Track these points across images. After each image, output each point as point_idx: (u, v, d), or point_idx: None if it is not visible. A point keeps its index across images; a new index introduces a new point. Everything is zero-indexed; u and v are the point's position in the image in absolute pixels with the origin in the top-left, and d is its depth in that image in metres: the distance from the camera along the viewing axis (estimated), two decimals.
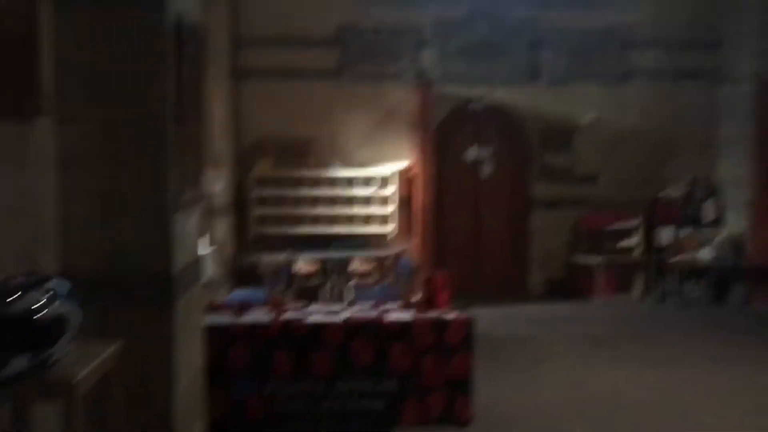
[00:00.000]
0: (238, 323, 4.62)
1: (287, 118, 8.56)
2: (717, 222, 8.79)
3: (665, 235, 8.73)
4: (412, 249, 8.16)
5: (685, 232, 8.68)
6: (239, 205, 8.37)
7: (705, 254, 8.46)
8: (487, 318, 7.63)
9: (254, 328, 4.58)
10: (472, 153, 8.93)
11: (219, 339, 4.42)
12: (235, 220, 8.32)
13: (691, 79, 8.79)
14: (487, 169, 8.96)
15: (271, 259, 7.94)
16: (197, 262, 3.99)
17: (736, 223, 8.61)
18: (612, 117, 8.82)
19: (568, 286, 8.81)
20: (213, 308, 4.94)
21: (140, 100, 3.28)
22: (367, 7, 8.57)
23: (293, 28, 8.54)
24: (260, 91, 8.55)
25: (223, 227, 7.86)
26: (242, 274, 7.97)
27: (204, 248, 6.46)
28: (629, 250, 8.76)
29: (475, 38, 8.77)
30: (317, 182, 8.47)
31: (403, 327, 4.68)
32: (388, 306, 5.14)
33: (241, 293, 6.72)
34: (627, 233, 8.79)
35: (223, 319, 4.66)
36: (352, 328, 4.62)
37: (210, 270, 6.36)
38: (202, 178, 4.20)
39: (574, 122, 8.84)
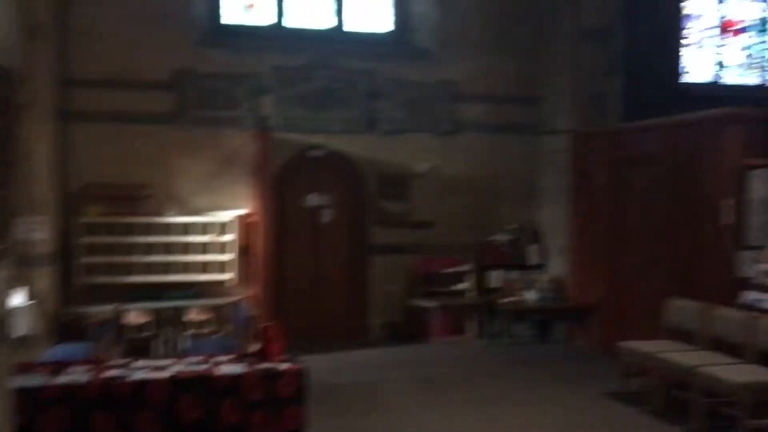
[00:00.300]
0: (52, 384, 4.32)
1: (120, 162, 8.24)
2: (540, 265, 9.41)
3: (495, 278, 9.23)
4: (250, 297, 8.04)
5: (513, 275, 9.22)
6: (65, 253, 7.88)
7: (530, 296, 9.01)
8: (327, 365, 7.69)
9: (70, 388, 4.30)
10: (311, 200, 9.02)
11: (29, 403, 4.11)
12: (60, 270, 7.81)
13: (515, 132, 9.43)
14: (326, 216, 9.07)
15: (99, 311, 7.50)
16: (3, 318, 3.70)
17: (557, 267, 9.27)
18: (445, 166, 9.26)
19: (407, 329, 9.04)
20: (24, 368, 4.59)
21: None
22: (205, 51, 8.51)
23: (127, 70, 8.28)
24: (91, 134, 8.19)
25: (45, 278, 7.35)
26: (66, 328, 7.46)
27: (18, 302, 6.01)
28: (462, 292, 9.15)
29: (315, 87, 8.93)
30: (151, 229, 8.17)
31: (233, 380, 4.59)
32: (220, 358, 5.02)
33: (62, 349, 6.28)
34: (460, 277, 9.19)
35: (35, 380, 4.34)
36: (179, 383, 4.47)
37: (25, 325, 5.91)
38: (12, 228, 3.93)
39: (410, 170, 9.19)
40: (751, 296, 6.32)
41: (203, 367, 4.74)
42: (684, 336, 6.55)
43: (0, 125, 3.44)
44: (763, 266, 6.35)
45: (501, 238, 9.38)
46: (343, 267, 9.15)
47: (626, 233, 8.11)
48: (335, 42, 9.17)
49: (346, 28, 9.34)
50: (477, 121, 9.35)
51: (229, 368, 4.71)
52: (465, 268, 9.18)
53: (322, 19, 9.28)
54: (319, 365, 7.64)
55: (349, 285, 9.15)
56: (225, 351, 5.54)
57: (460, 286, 9.17)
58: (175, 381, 4.46)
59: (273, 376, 4.63)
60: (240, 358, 5.01)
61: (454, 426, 5.89)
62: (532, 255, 9.43)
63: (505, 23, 9.40)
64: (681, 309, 6.64)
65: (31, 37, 7.00)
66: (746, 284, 6.41)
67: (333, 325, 8.94)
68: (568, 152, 9.04)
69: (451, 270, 9.16)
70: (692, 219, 7.04)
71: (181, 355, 6.00)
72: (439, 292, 9.04)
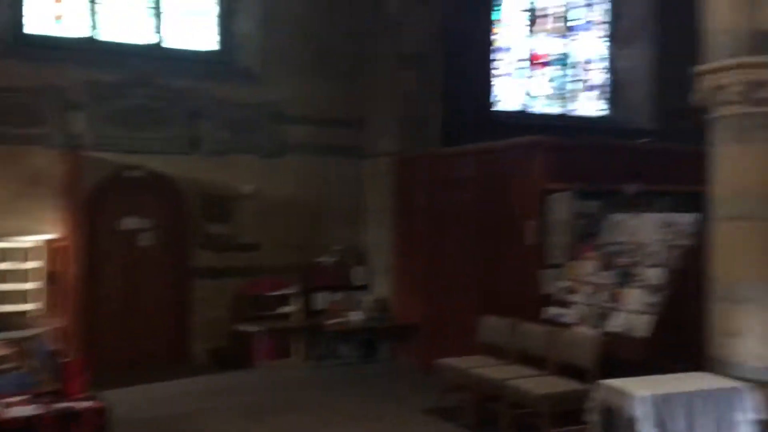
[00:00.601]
0: None
1: None
2: (365, 286, 9.56)
3: (321, 299, 9.25)
4: (57, 328, 7.45)
5: (338, 296, 9.29)
6: None
7: (356, 316, 9.11)
8: (144, 397, 7.30)
9: None
10: (129, 223, 8.58)
11: None
12: None
13: (339, 154, 9.55)
14: (145, 239, 8.67)
15: None
16: None
17: (381, 287, 9.46)
18: (270, 188, 9.18)
19: (232, 355, 8.80)
20: None
21: None
22: (4, 63, 7.86)
23: None
24: None
25: None
26: None
27: None
28: (288, 315, 9.08)
29: (132, 105, 8.54)
30: None
31: (26, 423, 4.22)
32: (12, 399, 4.60)
33: None
34: (286, 299, 9.12)
35: None
36: None
37: None
38: None
39: (235, 192, 9.01)
40: (553, 311, 6.79)
41: None
42: (495, 351, 6.90)
43: None
44: (563, 283, 6.86)
45: (327, 259, 9.43)
46: (165, 292, 8.76)
47: (444, 254, 8.45)
48: (155, 59, 8.84)
49: (167, 44, 9.04)
50: (301, 143, 9.36)
51: (21, 410, 4.33)
52: (291, 290, 9.12)
53: (140, 35, 8.91)
54: (135, 398, 7.26)
55: (170, 311, 8.77)
56: (22, 389, 5.08)
57: (286, 309, 9.10)
58: None
59: (70, 416, 4.31)
60: (35, 398, 4.62)
61: None
62: (358, 276, 9.56)
63: (328, 46, 9.52)
64: (491, 326, 7.00)
65: None
66: (549, 300, 6.89)
67: (153, 354, 8.52)
68: (390, 175, 9.30)
69: (277, 293, 9.07)
70: (501, 240, 7.47)
71: None
72: (265, 316, 8.91)
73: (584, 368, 5.86)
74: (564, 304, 6.72)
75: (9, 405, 4.42)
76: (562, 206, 7.00)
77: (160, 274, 8.73)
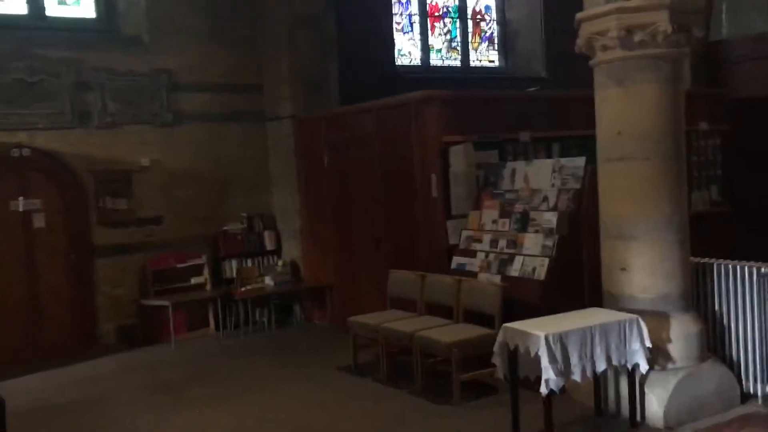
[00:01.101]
0: None
1: None
2: (276, 251, 9.50)
3: (231, 267, 9.14)
4: None
5: (249, 263, 9.20)
6: None
7: (268, 281, 9.06)
8: (48, 384, 7.06)
9: None
10: (20, 204, 8.17)
11: None
12: None
13: (239, 120, 9.34)
14: (39, 220, 8.28)
15: None
16: None
17: (292, 251, 9.42)
18: (169, 158, 8.91)
19: (142, 331, 8.62)
20: None
21: None
22: None
23: None
24: None
25: None
26: None
27: None
28: (199, 286, 8.94)
29: (10, 79, 8.05)
30: None
31: None
32: None
33: None
34: (195, 271, 8.96)
35: None
36: None
37: None
38: None
39: (131, 165, 8.70)
40: (459, 261, 6.95)
41: None
42: (406, 305, 7.02)
43: None
44: (467, 233, 7.02)
45: (235, 227, 9.30)
46: (64, 273, 8.42)
47: (351, 212, 8.48)
48: (31, 29, 8.34)
49: (44, 13, 8.54)
50: (198, 110, 9.10)
51: None
52: (199, 261, 8.97)
53: (14, 5, 8.37)
54: (38, 386, 7.04)
55: (72, 292, 8.45)
56: None
57: (196, 280, 8.95)
58: None
59: None
60: None
61: (191, 427, 5.73)
62: (267, 241, 9.48)
63: (220, 10, 9.22)
64: (400, 279, 7.10)
65: None
66: (455, 251, 7.04)
67: (57, 338, 8.23)
68: (293, 138, 9.20)
69: (184, 264, 8.90)
70: (406, 195, 7.54)
71: None
72: (173, 289, 8.74)
73: (489, 314, 6.05)
74: (469, 253, 6.88)
75: None
76: (461, 158, 7.12)
77: (58, 254, 8.37)
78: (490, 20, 12.02)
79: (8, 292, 8.04)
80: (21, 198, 8.15)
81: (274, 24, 9.25)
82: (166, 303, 8.48)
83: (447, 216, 7.17)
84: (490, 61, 12.05)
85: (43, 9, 8.55)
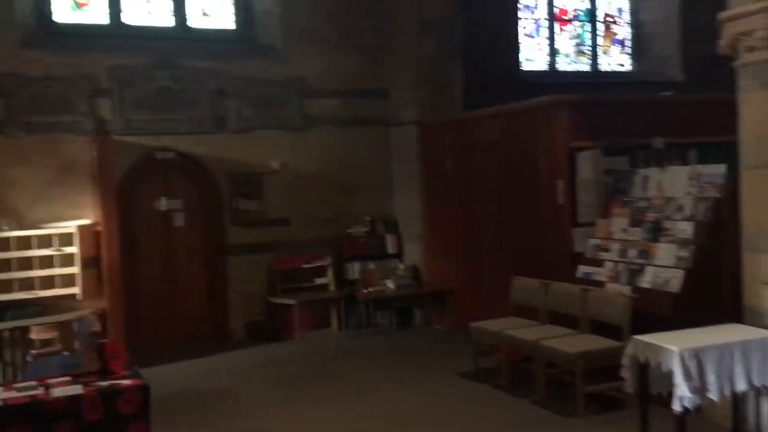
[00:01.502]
0: None
1: None
2: (398, 254, 9.62)
3: (354, 269, 9.34)
4: (97, 310, 7.67)
5: (371, 265, 9.37)
6: None
7: (389, 284, 9.19)
8: (185, 373, 7.50)
9: None
10: (162, 204, 8.74)
11: None
12: None
13: (365, 125, 9.54)
14: (179, 220, 8.83)
15: None
16: None
17: (413, 254, 9.50)
18: (297, 162, 9.24)
19: (270, 328, 8.97)
20: None
21: None
22: (32, 53, 8.00)
23: None
24: None
25: None
26: None
27: None
28: (323, 287, 9.20)
29: (157, 87, 8.63)
30: None
31: (70, 402, 4.37)
32: (58, 380, 4.77)
33: None
34: (320, 271, 9.23)
35: None
36: (6, 412, 4.19)
37: None
38: None
39: (263, 168, 9.09)
40: (584, 270, 6.76)
41: (36, 391, 4.47)
42: (528, 312, 6.91)
43: None
44: (594, 241, 6.82)
45: (358, 230, 9.50)
46: (201, 270, 8.94)
47: (474, 218, 8.45)
48: (177, 40, 8.90)
49: (187, 25, 9.09)
50: (327, 116, 9.38)
51: (64, 390, 4.48)
52: (324, 262, 9.23)
53: (161, 18, 8.97)
54: (176, 374, 7.46)
55: (207, 288, 8.96)
56: (65, 371, 5.26)
57: (320, 281, 9.21)
58: (4, 409, 4.19)
59: (112, 394, 4.44)
60: (77, 378, 4.77)
61: (314, 422, 5.91)
62: (389, 244, 9.61)
63: (350, 18, 9.47)
64: (523, 287, 7.00)
65: None
66: (581, 259, 6.86)
67: (193, 330, 8.73)
68: (417, 143, 9.28)
69: (310, 265, 9.19)
70: (531, 201, 7.42)
71: (9, 381, 5.63)
72: (299, 288, 9.04)
73: (617, 326, 5.84)
74: (595, 262, 6.68)
75: (53, 386, 4.57)
76: (589, 164, 6.93)
77: (195, 252, 8.90)
78: (622, 23, 11.62)
79: (150, 287, 8.61)
80: (163, 198, 8.72)
81: (402, 30, 9.39)
82: (292, 301, 8.80)
83: (573, 223, 7.00)
84: (620, 65, 11.65)
85: (186, 20, 9.09)
